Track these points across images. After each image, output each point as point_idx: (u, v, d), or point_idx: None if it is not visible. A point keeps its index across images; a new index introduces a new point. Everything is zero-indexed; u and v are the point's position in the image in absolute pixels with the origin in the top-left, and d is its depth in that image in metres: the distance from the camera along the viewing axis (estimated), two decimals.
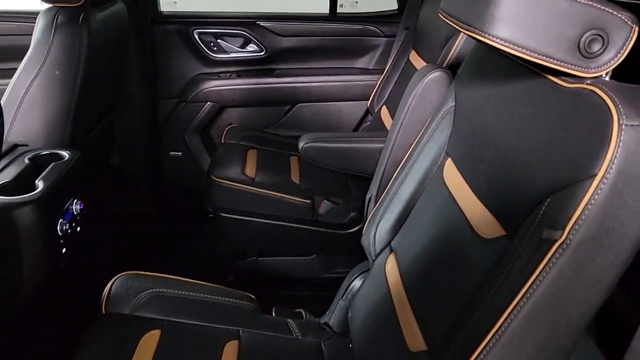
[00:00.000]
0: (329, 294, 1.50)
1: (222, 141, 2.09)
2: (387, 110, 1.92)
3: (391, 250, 1.11)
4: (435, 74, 1.16)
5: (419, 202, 1.08)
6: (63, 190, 1.38)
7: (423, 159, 1.10)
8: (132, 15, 1.93)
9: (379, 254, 1.15)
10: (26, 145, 1.53)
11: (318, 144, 1.55)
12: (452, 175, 0.99)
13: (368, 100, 2.15)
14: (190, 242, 2.14)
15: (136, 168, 2.25)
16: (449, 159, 1.02)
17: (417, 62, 1.82)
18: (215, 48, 2.17)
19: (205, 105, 2.19)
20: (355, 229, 1.73)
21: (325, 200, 1.74)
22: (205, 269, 1.97)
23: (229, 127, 2.14)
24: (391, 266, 1.08)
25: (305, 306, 1.54)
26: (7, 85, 1.53)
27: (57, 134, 1.56)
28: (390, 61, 2.09)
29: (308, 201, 1.72)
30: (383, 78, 2.08)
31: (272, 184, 1.77)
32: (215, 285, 1.27)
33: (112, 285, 1.19)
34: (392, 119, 1.83)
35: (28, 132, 1.54)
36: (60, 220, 1.35)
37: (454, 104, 1.06)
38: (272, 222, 1.71)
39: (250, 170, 1.85)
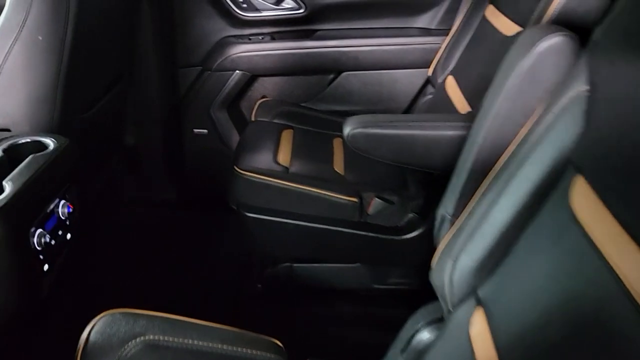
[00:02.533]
0: (379, 310, 1.16)
1: (253, 117, 1.75)
2: (454, 82, 1.54)
3: (478, 302, 0.76)
4: (555, 40, 0.76)
5: (526, 238, 0.71)
6: (41, 192, 1.08)
7: (530, 169, 0.73)
8: None
9: (458, 302, 0.80)
10: (7, 130, 1.25)
11: (369, 131, 1.18)
12: (588, 205, 0.62)
13: (429, 67, 1.76)
14: (215, 237, 1.84)
15: (154, 148, 1.95)
16: (580, 176, 0.65)
17: (497, 19, 1.41)
18: (244, 5, 1.80)
19: (234, 75, 1.84)
20: (414, 234, 1.38)
21: (376, 198, 1.38)
22: (231, 273, 1.67)
23: (261, 101, 1.80)
24: (479, 329, 0.73)
25: (350, 327, 1.21)
26: None
27: (43, 114, 1.26)
28: (459, 19, 1.68)
29: (355, 199, 1.37)
30: (449, 41, 1.68)
31: (311, 176, 1.43)
32: (229, 328, 0.94)
33: (92, 329, 0.89)
34: (462, 92, 1.46)
35: (8, 113, 1.24)
36: (39, 231, 1.05)
37: (587, 87, 0.68)
38: (310, 224, 1.38)
39: (284, 156, 1.51)
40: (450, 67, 1.62)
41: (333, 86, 1.89)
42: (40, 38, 1.19)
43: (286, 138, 1.62)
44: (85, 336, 0.88)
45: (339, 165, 1.52)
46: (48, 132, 1.25)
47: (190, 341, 0.89)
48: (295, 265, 1.51)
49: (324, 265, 1.51)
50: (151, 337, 0.88)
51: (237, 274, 1.65)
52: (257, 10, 1.81)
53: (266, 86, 1.93)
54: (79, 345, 0.88)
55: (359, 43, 1.82)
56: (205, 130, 1.94)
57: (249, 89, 1.93)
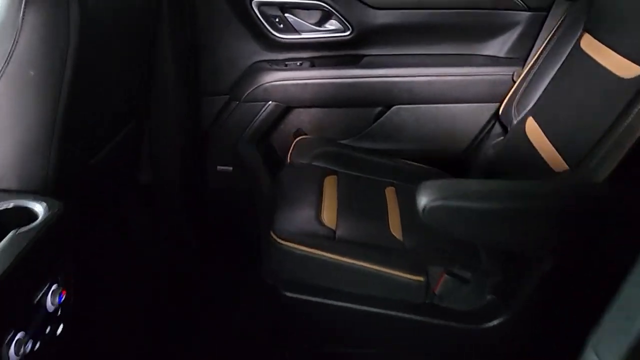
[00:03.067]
0: None
1: (289, 159, 1.47)
2: (537, 126, 1.26)
3: None
4: None
5: None
6: (23, 284, 0.82)
7: None
8: None
9: None
10: None
11: (452, 204, 0.90)
12: None
13: (497, 103, 1.49)
14: (239, 292, 1.58)
15: (172, 186, 1.68)
16: None
17: (601, 54, 1.14)
18: (281, 25, 1.53)
19: (266, 106, 1.58)
20: (495, 322, 1.09)
21: (445, 275, 1.10)
22: (258, 348, 1.40)
23: (298, 139, 1.52)
24: None
25: None
26: None
27: (36, 165, 1.00)
28: (539, 47, 1.40)
29: (420, 278, 1.09)
30: (526, 73, 1.40)
31: (363, 244, 1.15)
32: None
33: None
34: (551, 141, 1.17)
35: None
36: (18, 336, 0.79)
37: None
38: (364, 307, 1.10)
39: (330, 214, 1.24)
40: (530, 105, 1.34)
41: (381, 121, 1.61)
42: (32, 73, 0.93)
43: (330, 187, 1.35)
44: None
45: (395, 226, 1.24)
46: (41, 188, 1.00)
47: None
48: (342, 350, 1.23)
49: (379, 351, 1.23)
50: None
51: (265, 349, 1.37)
52: (295, 31, 1.54)
53: (302, 118, 1.66)
54: None
55: (414, 72, 1.55)
56: (230, 168, 1.68)
57: (283, 122, 1.66)
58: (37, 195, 0.96)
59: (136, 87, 1.38)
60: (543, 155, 1.20)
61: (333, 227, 1.20)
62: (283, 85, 1.55)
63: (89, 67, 1.01)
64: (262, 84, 1.54)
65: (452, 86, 1.55)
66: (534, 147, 1.24)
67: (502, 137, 1.46)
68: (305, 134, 1.66)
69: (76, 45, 0.95)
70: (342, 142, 1.63)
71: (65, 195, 1.03)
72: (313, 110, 1.63)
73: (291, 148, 1.49)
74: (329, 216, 1.23)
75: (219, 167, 1.68)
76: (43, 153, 0.99)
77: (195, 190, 1.71)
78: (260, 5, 1.51)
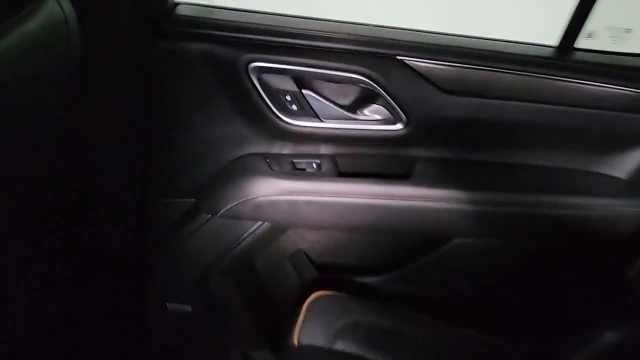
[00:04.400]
0: None
1: (296, 338, 0.88)
2: None
3: None
4: None
5: None
6: None
7: None
8: (98, 24, 0.72)
9: None
10: None
11: None
12: None
13: (622, 255, 0.95)
14: None
15: (97, 333, 1.07)
16: None
17: None
18: (294, 106, 0.93)
19: (254, 227, 0.98)
20: None
21: None
22: None
23: (310, 302, 0.93)
24: None
25: None
26: None
27: None
28: None
29: None
30: None
31: None
32: None
33: None
34: None
35: None
36: None
37: None
38: None
39: None
40: None
41: (434, 258, 1.04)
42: None
43: None
44: None
45: None
46: None
47: None
48: None
49: None
50: None
51: None
52: (315, 116, 0.94)
53: (308, 237, 1.07)
54: None
55: (497, 196, 0.98)
56: (189, 307, 1.07)
57: (276, 240, 1.07)
58: None
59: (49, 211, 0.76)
60: None
61: None
62: (288, 201, 0.95)
63: None
64: (254, 197, 0.95)
65: (551, 220, 1.00)
66: None
67: (630, 317, 0.92)
68: (309, 258, 1.09)
69: None
70: (367, 280, 1.07)
71: None
72: (327, 236, 1.05)
73: (300, 320, 0.89)
74: None
75: (169, 305, 1.07)
76: None
77: (133, 336, 1.10)
78: (260, 71, 0.90)
